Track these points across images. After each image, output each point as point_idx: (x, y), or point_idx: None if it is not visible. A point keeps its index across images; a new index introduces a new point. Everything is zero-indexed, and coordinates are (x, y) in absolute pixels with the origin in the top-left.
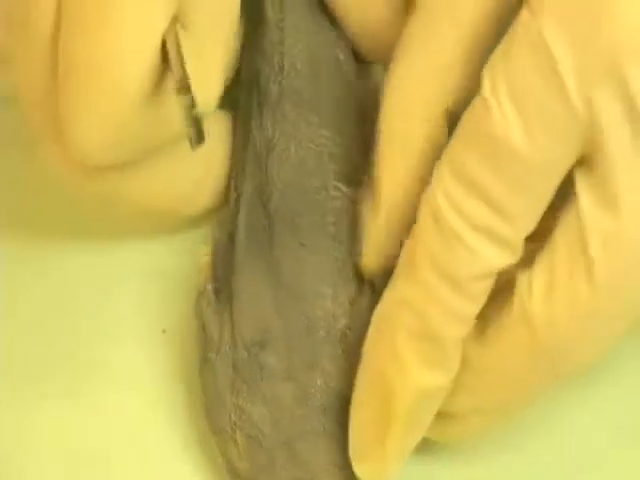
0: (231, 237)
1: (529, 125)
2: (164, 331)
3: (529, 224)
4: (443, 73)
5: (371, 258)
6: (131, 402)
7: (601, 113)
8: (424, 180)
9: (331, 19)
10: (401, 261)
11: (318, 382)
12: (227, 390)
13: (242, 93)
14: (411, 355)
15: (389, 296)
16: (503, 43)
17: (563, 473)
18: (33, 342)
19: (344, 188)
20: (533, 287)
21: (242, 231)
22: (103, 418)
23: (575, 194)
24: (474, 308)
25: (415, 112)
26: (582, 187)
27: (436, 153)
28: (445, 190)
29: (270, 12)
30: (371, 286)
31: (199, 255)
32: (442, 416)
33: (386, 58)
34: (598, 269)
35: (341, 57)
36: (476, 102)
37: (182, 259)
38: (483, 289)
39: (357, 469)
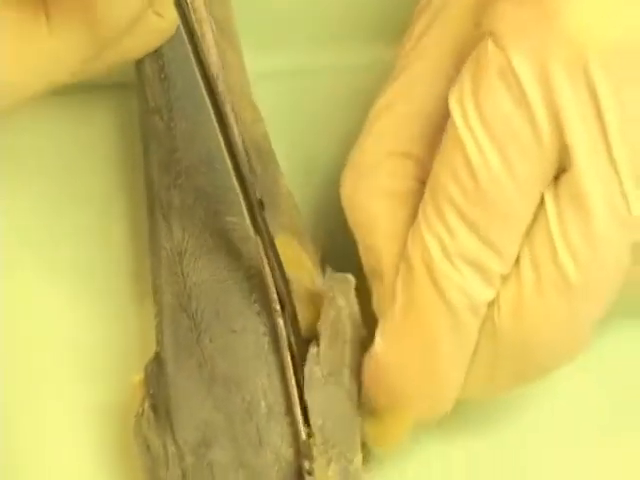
0: (158, 354)
1: (504, 151)
2: None
3: (514, 254)
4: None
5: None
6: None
7: (564, 107)
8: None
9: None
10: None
11: (269, 458)
12: None
13: (148, 213)
14: None
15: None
16: (468, 71)
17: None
18: (32, 343)
19: (260, 265)
20: (501, 301)
21: (168, 341)
22: (102, 419)
23: (543, 205)
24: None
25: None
26: (549, 197)
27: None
28: (434, 232)
29: (160, 123)
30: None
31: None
32: None
33: None
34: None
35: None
36: (449, 130)
37: None
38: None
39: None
